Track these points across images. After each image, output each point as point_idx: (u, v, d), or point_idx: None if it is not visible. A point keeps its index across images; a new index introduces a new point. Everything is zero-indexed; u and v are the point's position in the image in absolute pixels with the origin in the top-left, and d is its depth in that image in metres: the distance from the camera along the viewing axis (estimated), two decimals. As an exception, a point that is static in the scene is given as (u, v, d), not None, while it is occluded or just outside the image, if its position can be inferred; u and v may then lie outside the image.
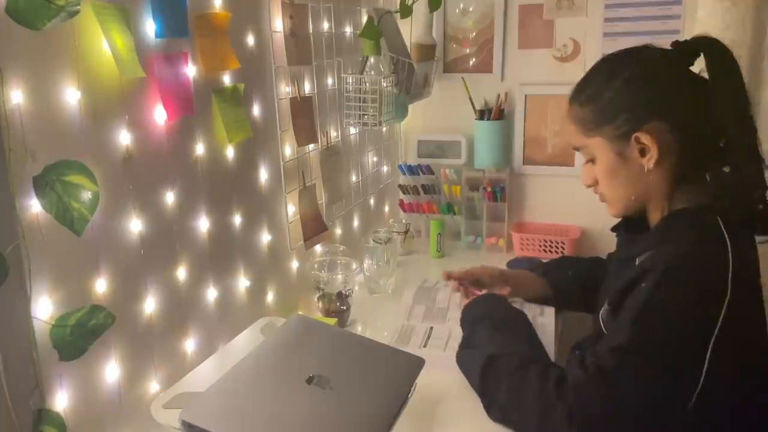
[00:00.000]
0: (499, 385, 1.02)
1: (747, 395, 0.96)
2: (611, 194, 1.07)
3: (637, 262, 1.01)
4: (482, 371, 1.05)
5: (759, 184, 0.96)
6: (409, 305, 1.54)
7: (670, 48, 1.03)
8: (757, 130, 0.97)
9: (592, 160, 1.07)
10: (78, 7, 0.77)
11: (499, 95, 1.99)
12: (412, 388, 1.01)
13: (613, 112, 1.00)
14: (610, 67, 1.04)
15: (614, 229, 1.19)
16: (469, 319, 1.23)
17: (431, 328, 1.42)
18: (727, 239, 0.91)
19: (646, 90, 0.99)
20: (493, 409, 1.03)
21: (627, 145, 1.00)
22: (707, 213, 0.96)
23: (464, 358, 1.15)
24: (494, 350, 1.07)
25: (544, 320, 1.44)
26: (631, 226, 1.14)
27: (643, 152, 0.99)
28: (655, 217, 1.05)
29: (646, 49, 1.04)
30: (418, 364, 1.05)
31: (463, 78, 2.00)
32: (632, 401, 0.90)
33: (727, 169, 0.97)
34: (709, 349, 0.87)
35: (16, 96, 0.75)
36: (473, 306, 1.27)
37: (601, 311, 1.04)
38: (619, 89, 1.00)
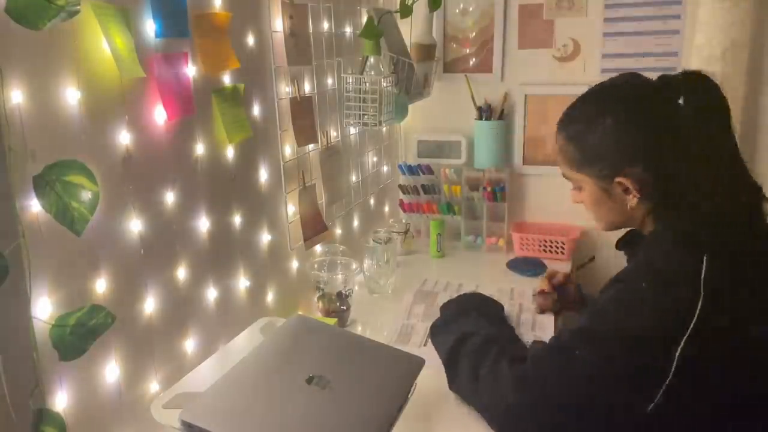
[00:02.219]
0: (460, 359, 1.11)
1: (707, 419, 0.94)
2: (597, 216, 1.13)
3: None
4: (449, 350, 1.14)
5: (730, 215, 0.95)
6: (409, 304, 1.54)
7: (657, 82, 1.03)
8: (735, 170, 0.98)
9: (579, 188, 1.12)
10: (78, 7, 0.77)
11: (506, 94, 1.99)
12: (412, 388, 1.01)
13: (595, 157, 1.04)
14: (595, 108, 1.06)
15: (618, 246, 1.20)
16: (451, 309, 1.32)
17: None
18: (705, 259, 0.90)
19: (626, 138, 1.01)
20: (454, 384, 1.12)
21: (610, 184, 1.04)
22: (692, 235, 0.96)
23: (438, 339, 1.23)
24: (465, 330, 1.16)
25: (544, 319, 1.45)
26: (630, 242, 1.17)
27: (626, 191, 1.03)
28: (646, 232, 1.08)
29: (632, 87, 1.05)
30: (418, 364, 1.05)
31: (466, 75, 2.01)
32: (583, 375, 0.95)
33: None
34: (674, 362, 0.88)
35: (16, 96, 0.75)
36: (454, 300, 1.36)
37: None
38: (601, 135, 1.03)
